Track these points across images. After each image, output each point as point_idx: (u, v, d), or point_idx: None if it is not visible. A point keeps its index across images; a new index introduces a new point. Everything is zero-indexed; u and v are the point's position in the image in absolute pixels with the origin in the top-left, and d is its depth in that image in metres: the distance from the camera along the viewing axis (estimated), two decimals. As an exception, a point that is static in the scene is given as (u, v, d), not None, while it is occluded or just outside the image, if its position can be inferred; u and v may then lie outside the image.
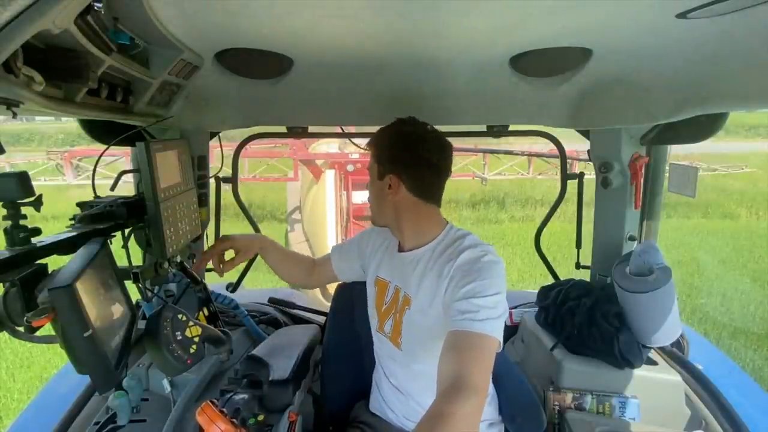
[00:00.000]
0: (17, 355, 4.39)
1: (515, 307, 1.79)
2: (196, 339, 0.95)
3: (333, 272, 1.27)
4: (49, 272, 0.72)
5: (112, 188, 1.07)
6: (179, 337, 0.91)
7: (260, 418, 0.93)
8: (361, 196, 7.24)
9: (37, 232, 0.74)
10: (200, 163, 1.47)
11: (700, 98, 1.06)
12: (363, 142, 1.85)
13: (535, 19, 0.81)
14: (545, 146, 7.59)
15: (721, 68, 0.93)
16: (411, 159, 1.01)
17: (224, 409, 0.87)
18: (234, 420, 0.86)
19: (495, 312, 0.85)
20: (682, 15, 0.71)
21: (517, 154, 8.69)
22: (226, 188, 1.65)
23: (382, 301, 1.12)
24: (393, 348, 1.09)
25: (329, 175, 6.61)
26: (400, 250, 1.10)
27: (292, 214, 8.77)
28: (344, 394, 1.28)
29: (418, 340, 1.03)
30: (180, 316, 0.95)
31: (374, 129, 1.72)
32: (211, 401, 0.87)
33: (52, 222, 5.58)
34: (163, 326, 0.89)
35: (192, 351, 0.92)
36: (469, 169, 9.71)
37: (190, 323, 0.96)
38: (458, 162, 9.19)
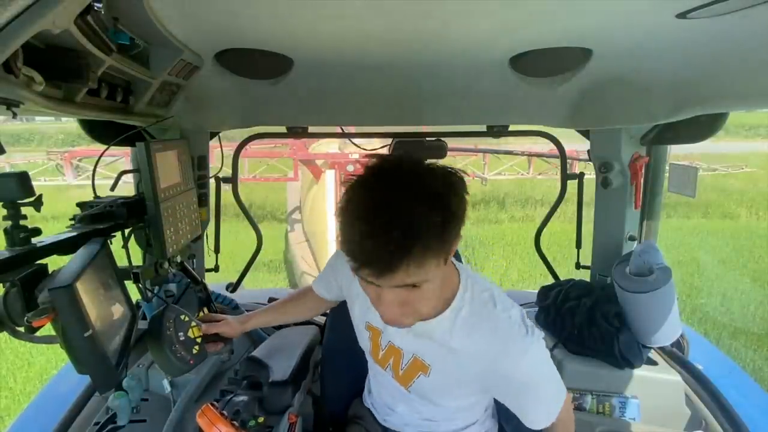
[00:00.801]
0: (18, 356, 4.39)
1: None
2: (199, 339, 0.95)
3: (321, 299, 1.15)
4: (50, 272, 0.72)
5: (112, 188, 1.07)
6: (182, 338, 0.91)
7: (260, 419, 0.94)
8: None
9: (37, 232, 0.74)
10: (200, 163, 1.47)
11: (700, 98, 1.06)
12: (363, 142, 1.85)
13: (535, 20, 0.81)
14: (546, 146, 7.60)
15: (721, 68, 0.93)
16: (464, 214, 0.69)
17: (224, 411, 0.87)
18: (234, 422, 0.86)
19: (560, 395, 0.85)
20: (682, 15, 0.71)
21: (516, 154, 8.71)
22: (226, 188, 1.65)
23: (378, 349, 0.95)
24: (397, 385, 0.94)
25: (329, 176, 6.61)
26: None
27: (292, 214, 8.77)
28: (344, 395, 1.28)
29: (433, 396, 0.91)
30: (182, 316, 0.95)
31: (374, 129, 1.73)
32: (212, 403, 0.87)
33: (52, 222, 5.58)
34: (166, 326, 0.89)
35: (195, 351, 0.92)
36: (470, 170, 9.71)
37: (193, 324, 0.96)
38: (458, 162, 9.21)
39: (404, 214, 0.62)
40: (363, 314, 0.95)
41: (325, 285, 1.11)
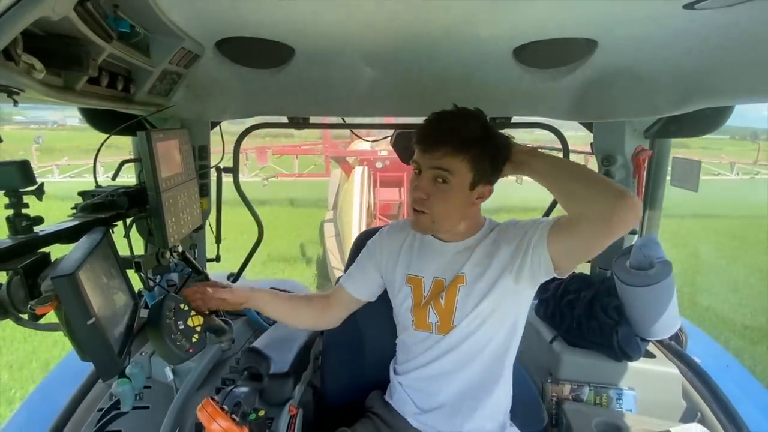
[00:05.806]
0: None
1: None
2: (198, 328, 0.96)
3: (351, 297, 1.14)
4: (52, 261, 0.72)
5: (114, 177, 1.07)
6: (181, 327, 0.92)
7: (261, 413, 0.93)
8: (388, 194, 7.33)
9: (39, 221, 0.75)
10: (201, 153, 1.47)
11: (706, 91, 1.05)
12: (364, 133, 1.84)
13: (540, 10, 0.80)
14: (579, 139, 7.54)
15: (728, 60, 0.92)
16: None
17: (224, 406, 0.88)
18: (234, 416, 0.86)
19: None
20: (690, 5, 0.70)
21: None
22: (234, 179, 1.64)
23: (420, 297, 1.05)
24: (439, 337, 1.02)
25: (357, 172, 6.62)
26: (445, 240, 1.04)
27: (330, 208, 8.85)
28: (345, 387, 1.29)
29: (479, 311, 0.99)
30: (182, 305, 0.95)
31: (375, 120, 1.72)
32: (212, 397, 0.87)
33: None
34: (165, 315, 0.90)
35: (194, 340, 0.93)
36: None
37: (192, 312, 0.96)
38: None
39: (458, 119, 0.92)
40: (405, 269, 1.07)
41: (359, 275, 1.14)
